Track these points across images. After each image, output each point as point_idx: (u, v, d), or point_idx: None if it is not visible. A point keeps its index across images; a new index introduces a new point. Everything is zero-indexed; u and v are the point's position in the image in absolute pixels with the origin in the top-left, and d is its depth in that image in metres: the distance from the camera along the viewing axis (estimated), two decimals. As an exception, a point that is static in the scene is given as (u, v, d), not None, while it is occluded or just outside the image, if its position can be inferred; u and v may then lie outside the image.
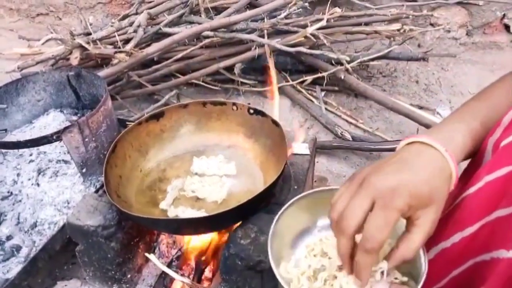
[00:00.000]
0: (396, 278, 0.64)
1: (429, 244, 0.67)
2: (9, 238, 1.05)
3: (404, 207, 0.52)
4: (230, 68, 1.78)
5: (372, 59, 1.76)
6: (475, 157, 0.70)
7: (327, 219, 0.69)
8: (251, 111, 1.07)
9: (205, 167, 1.02)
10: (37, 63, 1.85)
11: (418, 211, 0.54)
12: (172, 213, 0.93)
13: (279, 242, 0.69)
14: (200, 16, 1.87)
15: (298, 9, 1.71)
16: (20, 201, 1.13)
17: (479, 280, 0.62)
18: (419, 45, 2.24)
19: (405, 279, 0.63)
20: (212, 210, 0.92)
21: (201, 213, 0.92)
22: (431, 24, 2.28)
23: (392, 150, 1.52)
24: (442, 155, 0.56)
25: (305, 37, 1.63)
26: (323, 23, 1.62)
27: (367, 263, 0.54)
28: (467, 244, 0.63)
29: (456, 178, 0.57)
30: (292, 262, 0.69)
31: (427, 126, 1.54)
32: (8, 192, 1.15)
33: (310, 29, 1.59)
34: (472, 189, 0.62)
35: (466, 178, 0.69)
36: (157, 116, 1.08)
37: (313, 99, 1.79)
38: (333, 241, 0.67)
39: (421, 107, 1.77)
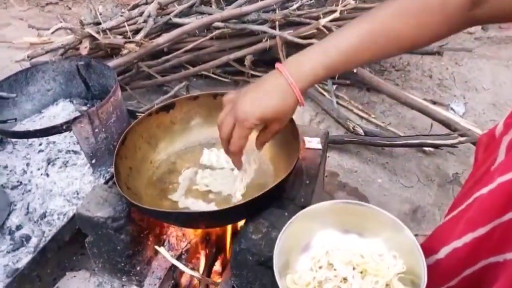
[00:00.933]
0: None
1: (440, 243, 0.67)
2: (18, 228, 1.04)
3: (252, 125, 0.73)
4: (240, 60, 1.76)
5: (386, 53, 1.72)
6: (487, 152, 0.68)
7: (333, 230, 0.76)
8: (263, 104, 1.04)
9: (214, 159, 1.01)
10: (47, 52, 1.84)
11: (268, 124, 0.76)
12: (183, 204, 0.92)
13: (285, 254, 0.71)
14: (211, 6, 1.85)
15: (310, 0, 1.68)
16: (29, 191, 1.12)
17: (491, 281, 0.60)
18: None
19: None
20: (225, 204, 0.90)
21: (211, 206, 0.90)
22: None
23: (405, 145, 1.50)
24: (286, 82, 0.71)
25: (317, 29, 1.60)
26: (336, 14, 1.59)
27: (234, 159, 0.82)
28: (478, 244, 0.62)
29: (301, 100, 0.72)
30: (298, 274, 0.70)
31: (441, 121, 1.51)
32: (18, 181, 1.15)
33: (322, 21, 1.57)
34: (484, 190, 0.61)
35: (478, 174, 0.67)
36: (167, 108, 1.07)
37: (325, 93, 1.77)
38: (339, 254, 0.71)
39: (434, 102, 1.74)
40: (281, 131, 0.79)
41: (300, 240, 0.75)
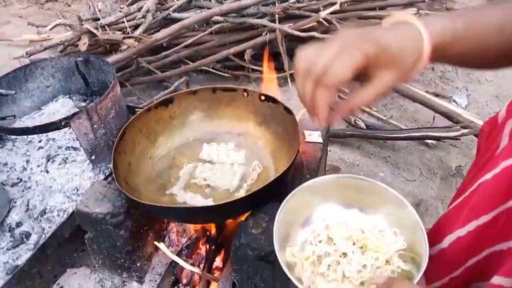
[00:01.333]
0: (398, 267, 0.64)
1: (444, 232, 0.66)
2: (18, 224, 1.04)
3: (370, 51, 0.52)
4: (240, 54, 1.75)
5: (387, 45, 1.71)
6: (490, 139, 0.67)
7: (335, 205, 0.74)
8: (263, 97, 1.04)
9: (214, 154, 1.00)
10: (45, 48, 1.83)
11: (379, 68, 0.54)
12: (181, 198, 0.91)
13: (285, 227, 0.69)
14: (210, 0, 1.83)
15: (310, -7, 1.67)
16: (29, 187, 1.12)
17: (494, 269, 0.59)
18: None
19: (407, 267, 0.63)
20: (223, 198, 0.90)
21: (209, 201, 0.90)
22: (447, 9, 2.21)
23: (407, 138, 1.48)
24: (418, 30, 0.55)
25: (318, 22, 1.59)
26: (336, 7, 1.58)
27: (324, 97, 0.54)
28: (482, 232, 0.60)
29: (427, 56, 0.56)
30: (298, 247, 0.69)
31: (443, 114, 1.50)
32: (18, 178, 1.14)
33: (322, 14, 1.55)
34: (488, 175, 0.59)
35: (482, 161, 0.66)
36: (166, 103, 1.06)
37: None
38: (339, 228, 0.69)
39: (437, 95, 1.73)
40: (386, 93, 0.57)
41: (301, 213, 0.74)
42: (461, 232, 0.62)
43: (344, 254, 0.67)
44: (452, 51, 0.59)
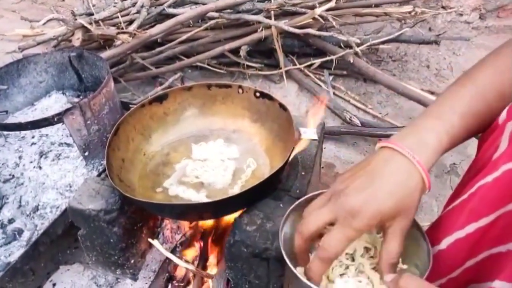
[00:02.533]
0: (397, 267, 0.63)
1: (442, 233, 0.65)
2: (11, 221, 1.03)
3: (364, 227, 0.54)
4: (235, 51, 1.74)
5: (382, 42, 1.71)
6: (490, 141, 0.67)
7: None
8: (258, 94, 1.03)
9: (206, 153, 0.99)
10: (38, 43, 1.82)
11: (387, 222, 0.56)
12: (173, 192, 0.90)
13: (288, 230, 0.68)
14: (205, -4, 1.82)
15: (306, -11, 1.66)
16: (22, 184, 1.11)
17: (495, 272, 0.59)
18: (430, 29, 2.18)
19: (404, 266, 0.63)
20: (217, 195, 0.89)
21: (202, 195, 0.90)
22: (443, 7, 2.22)
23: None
24: (411, 162, 0.56)
25: (313, 18, 1.58)
26: (332, 4, 1.57)
27: (319, 269, 0.56)
28: (482, 235, 0.60)
29: (428, 183, 0.57)
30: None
31: (438, 111, 1.50)
32: (10, 175, 1.13)
33: (318, 10, 1.55)
34: (488, 178, 0.59)
35: (481, 163, 0.66)
36: (160, 99, 1.05)
37: (321, 84, 1.75)
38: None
39: (432, 93, 1.73)
40: (405, 237, 0.57)
41: None
42: (460, 234, 0.62)
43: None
44: (455, 144, 0.61)
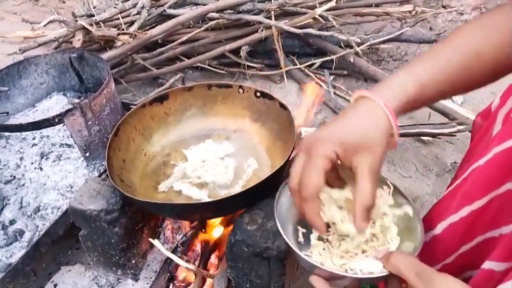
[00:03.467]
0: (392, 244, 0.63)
1: (437, 218, 0.66)
2: (12, 222, 1.03)
3: (331, 153, 0.55)
4: (236, 51, 1.74)
5: (383, 42, 1.71)
6: (484, 129, 0.67)
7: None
8: (258, 94, 1.03)
9: (201, 155, 0.99)
10: (39, 45, 1.82)
11: (352, 157, 0.56)
12: (177, 187, 0.91)
13: (284, 204, 0.67)
14: (206, -3, 1.82)
15: (306, -11, 1.66)
16: (23, 185, 1.11)
17: (486, 256, 0.59)
18: (430, 28, 2.18)
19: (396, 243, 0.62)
20: (220, 193, 0.90)
21: (205, 193, 0.90)
22: (443, 7, 2.22)
23: (402, 135, 1.48)
24: (377, 104, 0.57)
25: (314, 18, 1.58)
26: (332, 4, 1.57)
27: (311, 209, 0.57)
28: (475, 218, 0.60)
29: (396, 128, 0.58)
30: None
31: (439, 110, 1.50)
32: (11, 176, 1.13)
33: (318, 10, 1.55)
34: (481, 161, 0.59)
35: (475, 151, 0.66)
36: (161, 99, 1.05)
37: (322, 83, 1.75)
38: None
39: (432, 92, 1.72)
40: (375, 178, 0.56)
41: None
42: (454, 218, 0.62)
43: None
44: (426, 99, 0.61)
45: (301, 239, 0.67)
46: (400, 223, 0.65)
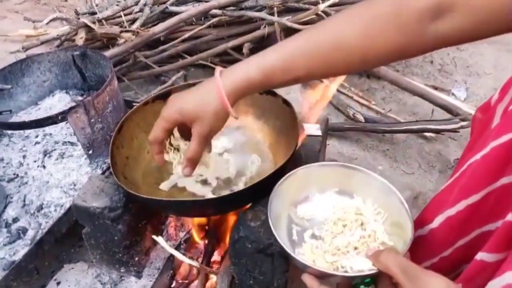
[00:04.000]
0: (383, 242, 0.65)
1: (434, 212, 0.66)
2: (15, 220, 1.03)
3: (170, 116, 0.71)
4: (238, 48, 1.74)
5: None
6: (483, 123, 0.67)
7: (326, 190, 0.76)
8: (261, 90, 1.03)
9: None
10: (42, 43, 1.82)
11: (191, 125, 0.71)
12: (182, 183, 0.91)
13: (278, 203, 0.72)
14: (208, -6, 1.81)
15: (309, -14, 1.65)
16: (26, 183, 1.11)
17: (480, 248, 0.59)
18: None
19: (391, 243, 0.65)
20: (224, 188, 0.90)
21: (208, 189, 0.89)
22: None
23: (406, 131, 1.48)
24: (215, 84, 0.68)
25: (317, 14, 1.58)
26: (335, 0, 1.56)
27: (152, 150, 0.78)
28: (472, 212, 0.61)
29: (224, 104, 0.68)
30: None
31: (442, 107, 1.50)
32: (14, 174, 1.14)
33: (321, 6, 1.54)
34: (478, 155, 0.60)
35: (475, 145, 0.66)
36: (163, 96, 1.05)
37: (324, 80, 1.74)
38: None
39: (435, 88, 1.72)
40: (205, 142, 0.73)
41: (295, 194, 0.76)
42: (451, 211, 0.63)
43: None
44: (272, 81, 0.67)
45: (295, 237, 0.70)
46: (395, 223, 0.66)
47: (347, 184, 0.75)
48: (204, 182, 0.92)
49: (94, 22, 1.63)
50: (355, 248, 0.65)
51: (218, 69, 0.70)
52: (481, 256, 0.58)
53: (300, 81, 0.69)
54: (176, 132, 0.81)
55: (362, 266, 0.60)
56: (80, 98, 1.30)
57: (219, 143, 1.00)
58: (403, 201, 0.67)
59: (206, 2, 1.70)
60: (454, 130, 1.41)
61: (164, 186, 0.93)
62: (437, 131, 1.45)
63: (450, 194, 0.64)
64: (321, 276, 0.60)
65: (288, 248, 0.64)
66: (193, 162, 0.75)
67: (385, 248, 0.63)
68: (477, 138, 0.67)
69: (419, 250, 0.65)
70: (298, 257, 0.62)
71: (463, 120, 1.39)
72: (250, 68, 0.66)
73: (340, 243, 0.65)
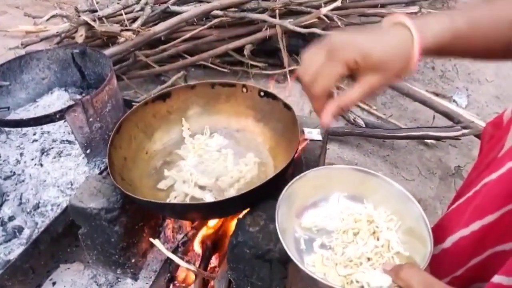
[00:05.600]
0: (398, 252, 0.63)
1: (447, 232, 0.64)
2: (11, 218, 1.02)
3: (350, 61, 0.56)
4: (239, 50, 1.73)
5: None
6: (494, 140, 0.66)
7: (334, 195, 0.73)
8: (262, 93, 1.02)
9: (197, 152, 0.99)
10: (41, 39, 1.81)
11: (364, 72, 0.57)
12: (179, 189, 0.91)
13: (286, 210, 0.68)
14: (210, -6, 1.80)
15: (311, -11, 1.65)
16: (23, 181, 1.10)
17: (497, 269, 0.58)
18: None
19: (407, 253, 0.62)
20: (226, 187, 0.89)
21: (207, 193, 0.88)
22: (449, 8, 2.20)
23: (407, 138, 1.47)
24: (410, 32, 0.56)
25: (319, 18, 1.57)
26: (337, 3, 1.56)
27: (317, 105, 0.60)
28: (486, 232, 0.59)
29: (416, 58, 0.57)
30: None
31: (443, 113, 1.49)
32: (11, 171, 1.12)
33: (324, 10, 1.53)
34: (494, 175, 0.58)
35: (485, 162, 0.65)
36: (163, 97, 1.04)
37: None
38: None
39: (437, 94, 1.71)
40: (376, 93, 0.61)
41: (303, 198, 0.73)
42: (464, 232, 0.61)
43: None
44: (454, 49, 0.59)
45: (303, 246, 0.67)
46: (409, 231, 0.64)
47: (358, 189, 0.72)
48: (203, 184, 0.91)
49: (94, 20, 1.62)
50: (368, 259, 0.62)
51: (405, 18, 0.58)
52: (498, 279, 0.56)
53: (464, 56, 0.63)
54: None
55: (380, 282, 0.56)
56: (79, 96, 1.28)
57: (213, 141, 1.00)
58: (421, 210, 0.64)
59: (208, 2, 1.69)
60: (455, 138, 1.41)
61: (163, 184, 0.92)
62: (438, 138, 1.44)
63: (463, 214, 0.62)
64: None
65: (297, 260, 0.59)
66: (342, 111, 0.62)
67: (406, 263, 0.60)
68: (488, 153, 0.66)
69: (431, 269, 0.63)
70: (308, 270, 0.58)
71: (464, 127, 1.39)
72: (444, 30, 0.58)
73: (352, 254, 0.62)
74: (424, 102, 1.53)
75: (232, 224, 0.94)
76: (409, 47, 0.56)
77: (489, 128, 0.73)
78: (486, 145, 0.71)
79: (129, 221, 0.90)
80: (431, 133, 1.42)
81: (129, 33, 1.49)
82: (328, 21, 1.60)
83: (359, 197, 0.72)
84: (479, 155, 0.74)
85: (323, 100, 0.59)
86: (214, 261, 0.98)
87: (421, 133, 1.43)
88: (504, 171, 0.56)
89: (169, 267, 0.96)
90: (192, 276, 0.95)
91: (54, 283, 1.01)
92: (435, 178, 1.41)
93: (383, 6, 1.75)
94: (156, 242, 0.89)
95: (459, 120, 1.43)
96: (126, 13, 1.70)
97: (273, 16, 1.63)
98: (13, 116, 1.21)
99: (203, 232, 0.99)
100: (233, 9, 1.68)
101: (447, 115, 1.47)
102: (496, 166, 0.58)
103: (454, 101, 1.72)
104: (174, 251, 0.94)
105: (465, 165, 1.43)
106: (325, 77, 0.57)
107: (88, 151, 1.07)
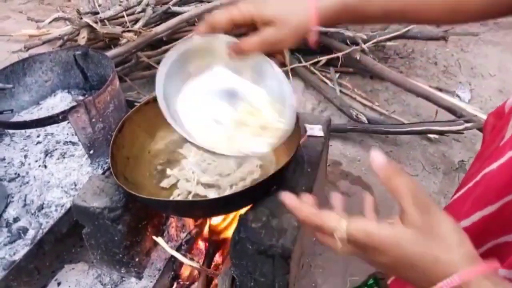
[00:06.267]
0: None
1: None
2: (16, 220, 1.03)
3: (246, 10, 0.63)
4: (241, 49, 1.73)
5: (389, 39, 1.69)
6: (496, 130, 0.65)
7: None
8: (263, 91, 1.02)
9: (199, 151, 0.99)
10: (44, 42, 1.82)
11: (261, 27, 0.64)
12: (182, 187, 0.91)
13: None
14: (210, -6, 1.81)
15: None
16: (27, 182, 1.11)
17: (499, 260, 0.58)
18: (438, 25, 2.15)
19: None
20: (230, 183, 0.89)
21: (209, 190, 0.89)
22: None
23: (410, 133, 1.46)
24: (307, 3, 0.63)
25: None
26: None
27: (201, 29, 0.68)
28: (488, 223, 0.58)
29: (312, 17, 0.62)
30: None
31: (446, 108, 1.48)
32: (15, 173, 1.13)
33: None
34: (494, 165, 0.58)
35: (487, 153, 0.65)
36: (165, 96, 1.04)
37: (327, 81, 1.74)
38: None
39: (440, 89, 1.70)
40: (278, 47, 0.67)
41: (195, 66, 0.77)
42: (465, 223, 0.61)
43: None
44: (362, 12, 0.63)
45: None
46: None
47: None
48: (206, 182, 0.92)
49: (96, 22, 1.63)
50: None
51: None
52: (502, 273, 0.55)
53: (391, 18, 0.65)
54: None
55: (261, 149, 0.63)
56: (81, 97, 1.29)
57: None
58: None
59: (209, 2, 1.69)
60: (458, 132, 1.40)
61: (165, 183, 0.93)
62: (441, 133, 1.44)
63: (463, 205, 0.61)
64: None
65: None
66: (241, 53, 0.68)
67: (403, 171, 0.50)
68: (490, 144, 0.66)
69: None
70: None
71: (467, 121, 1.38)
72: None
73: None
74: (427, 97, 1.52)
75: (235, 220, 0.95)
76: (306, 8, 0.62)
77: (491, 118, 0.72)
78: (488, 135, 0.71)
79: (132, 220, 0.91)
80: (434, 128, 1.41)
81: (130, 34, 1.50)
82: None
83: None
84: (481, 146, 0.74)
85: (206, 26, 0.67)
86: (218, 259, 0.98)
87: (424, 128, 1.42)
88: (504, 160, 0.56)
89: (173, 265, 0.96)
90: (196, 274, 0.95)
91: (59, 284, 1.01)
92: (438, 173, 1.40)
93: None
94: (160, 240, 0.90)
95: (462, 115, 1.42)
96: (127, 15, 1.71)
97: (274, 15, 1.63)
98: (17, 118, 1.22)
99: (207, 229, 0.99)
100: (233, 8, 1.69)
101: (450, 109, 1.46)
102: (497, 156, 0.58)
103: (457, 95, 1.71)
104: (178, 249, 0.94)
105: (469, 160, 1.42)
106: (221, 11, 0.65)
107: (91, 152, 1.08)
